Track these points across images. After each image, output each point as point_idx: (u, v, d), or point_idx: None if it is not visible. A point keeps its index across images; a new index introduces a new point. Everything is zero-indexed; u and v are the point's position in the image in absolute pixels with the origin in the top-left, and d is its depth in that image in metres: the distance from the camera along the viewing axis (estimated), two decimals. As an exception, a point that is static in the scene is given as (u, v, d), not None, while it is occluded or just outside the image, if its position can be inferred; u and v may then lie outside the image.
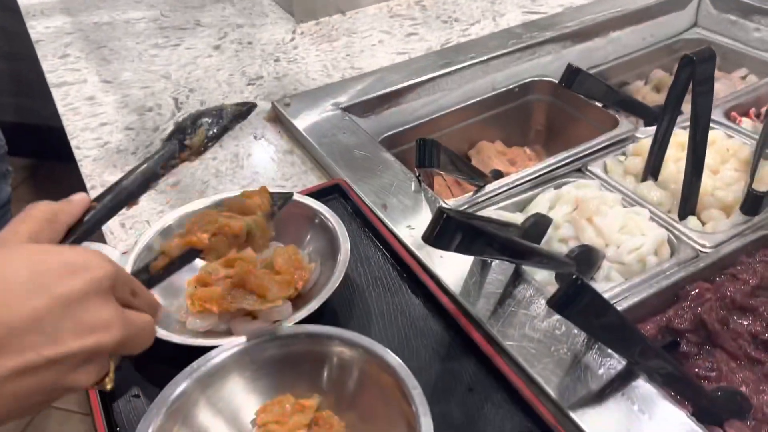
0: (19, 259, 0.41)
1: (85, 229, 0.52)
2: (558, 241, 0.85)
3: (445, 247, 0.59)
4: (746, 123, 1.03)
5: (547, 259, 0.73)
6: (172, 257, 0.56)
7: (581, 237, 0.83)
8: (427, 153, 0.80)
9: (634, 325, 0.61)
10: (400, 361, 0.57)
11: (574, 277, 0.54)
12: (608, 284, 0.77)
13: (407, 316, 0.70)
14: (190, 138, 0.64)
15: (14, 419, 0.41)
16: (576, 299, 0.53)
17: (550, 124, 1.17)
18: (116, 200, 0.56)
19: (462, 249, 0.60)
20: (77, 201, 0.53)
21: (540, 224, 0.81)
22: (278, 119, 1.06)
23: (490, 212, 0.88)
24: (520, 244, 0.68)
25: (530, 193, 0.91)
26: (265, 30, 1.34)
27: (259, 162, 0.97)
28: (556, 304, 0.54)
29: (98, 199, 0.55)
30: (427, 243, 0.58)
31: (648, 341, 0.59)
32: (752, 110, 1.06)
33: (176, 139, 0.62)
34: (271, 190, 0.67)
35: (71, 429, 1.83)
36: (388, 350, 0.58)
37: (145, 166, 0.59)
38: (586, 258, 0.78)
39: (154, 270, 0.56)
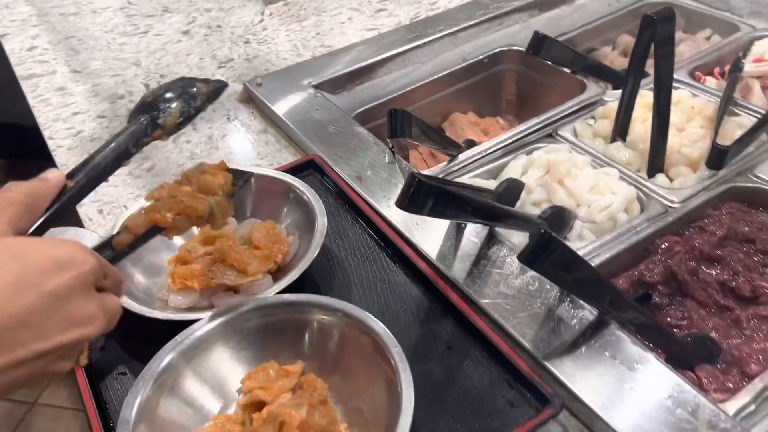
0: (6, 255, 0.42)
1: (59, 208, 0.53)
2: (531, 204, 0.87)
3: (418, 211, 0.60)
4: (710, 82, 1.05)
5: (520, 221, 0.75)
6: (137, 234, 0.57)
7: (553, 199, 0.85)
8: (398, 123, 0.81)
9: (602, 274, 0.63)
10: (379, 322, 0.58)
11: (542, 231, 0.55)
12: (581, 243, 0.79)
13: (386, 282, 0.72)
14: (163, 118, 0.64)
15: None
16: (544, 252, 0.55)
17: (520, 93, 1.18)
18: (89, 178, 0.57)
19: (436, 213, 0.62)
20: (53, 181, 0.53)
21: (513, 188, 0.83)
22: (251, 100, 1.06)
23: (464, 180, 0.89)
24: (492, 207, 0.70)
25: (503, 160, 0.93)
26: (234, 13, 1.34)
27: (233, 143, 0.98)
28: (526, 258, 0.55)
29: (71, 175, 0.56)
30: (401, 208, 0.59)
31: (618, 289, 0.61)
32: (716, 69, 1.09)
33: (148, 116, 0.62)
34: (247, 170, 0.67)
35: (63, 425, 1.83)
36: (367, 313, 0.60)
37: (116, 143, 0.59)
38: (559, 218, 0.80)
39: (119, 246, 0.56)
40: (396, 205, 0.59)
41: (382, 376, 0.56)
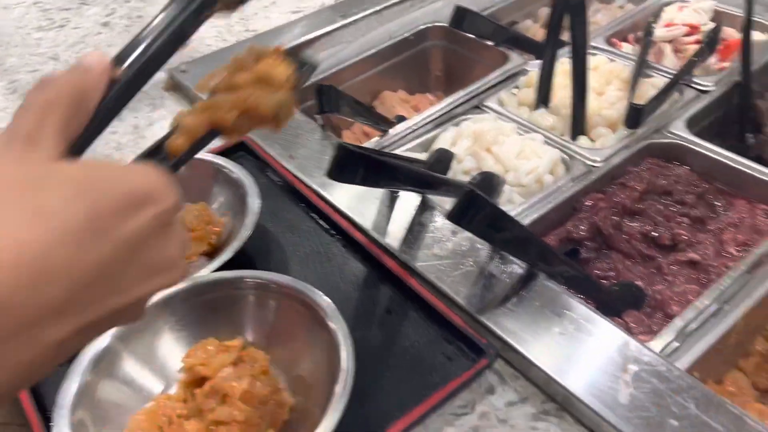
0: (71, 191, 0.32)
1: (109, 103, 0.41)
2: (462, 173, 0.89)
3: (349, 180, 0.61)
4: (626, 47, 1.10)
5: (451, 187, 0.76)
6: (194, 138, 0.44)
7: (482, 166, 0.88)
8: (326, 99, 0.82)
9: (527, 228, 0.65)
10: (316, 290, 0.59)
11: (468, 189, 0.57)
12: (511, 206, 0.82)
13: (324, 255, 0.73)
14: None
15: None
16: (471, 209, 0.57)
17: (447, 68, 1.20)
18: (142, 65, 0.43)
19: (368, 182, 0.63)
20: (98, 69, 0.41)
21: (443, 158, 0.84)
22: (176, 87, 1.04)
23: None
24: (424, 174, 0.71)
25: (433, 133, 0.94)
26: (155, 2, 1.31)
27: (160, 131, 0.96)
28: (454, 216, 0.57)
29: (119, 60, 0.42)
30: (331, 178, 0.60)
31: (544, 242, 0.64)
32: (631, 36, 1.13)
33: None
34: (309, 56, 0.53)
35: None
36: (303, 283, 0.60)
37: (170, 18, 0.45)
38: (488, 184, 0.82)
39: (176, 152, 0.44)
40: (326, 176, 0.60)
41: (322, 342, 0.56)
